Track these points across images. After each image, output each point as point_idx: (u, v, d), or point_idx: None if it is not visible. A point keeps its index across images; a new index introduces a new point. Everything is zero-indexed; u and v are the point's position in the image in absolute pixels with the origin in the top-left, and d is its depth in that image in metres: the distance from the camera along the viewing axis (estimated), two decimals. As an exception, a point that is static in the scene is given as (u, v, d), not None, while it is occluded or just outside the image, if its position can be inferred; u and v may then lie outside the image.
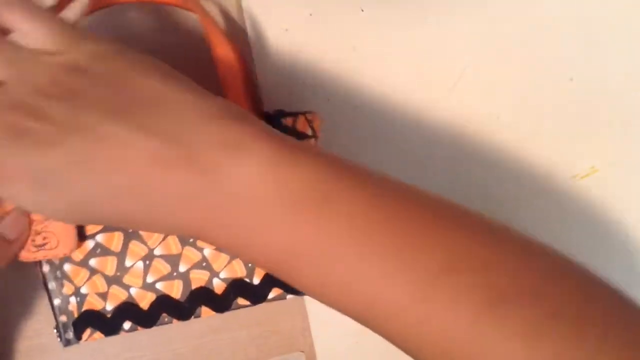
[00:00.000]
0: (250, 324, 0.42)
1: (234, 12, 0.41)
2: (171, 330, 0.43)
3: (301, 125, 0.36)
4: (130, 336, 0.44)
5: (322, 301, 0.29)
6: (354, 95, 0.42)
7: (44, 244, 0.34)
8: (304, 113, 0.36)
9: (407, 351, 0.28)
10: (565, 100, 0.43)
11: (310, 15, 0.41)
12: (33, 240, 0.33)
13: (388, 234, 0.27)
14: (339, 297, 0.28)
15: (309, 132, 0.36)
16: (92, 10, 0.34)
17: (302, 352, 0.45)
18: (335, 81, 0.42)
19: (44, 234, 0.33)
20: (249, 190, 0.27)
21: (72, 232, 0.34)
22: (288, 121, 0.35)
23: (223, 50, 0.34)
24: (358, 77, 0.42)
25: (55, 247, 0.34)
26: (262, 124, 0.29)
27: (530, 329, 0.26)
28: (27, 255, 0.34)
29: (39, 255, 0.34)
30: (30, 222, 0.33)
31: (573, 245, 0.45)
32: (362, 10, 0.42)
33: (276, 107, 0.39)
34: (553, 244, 0.45)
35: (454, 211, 0.31)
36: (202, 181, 0.27)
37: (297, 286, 0.29)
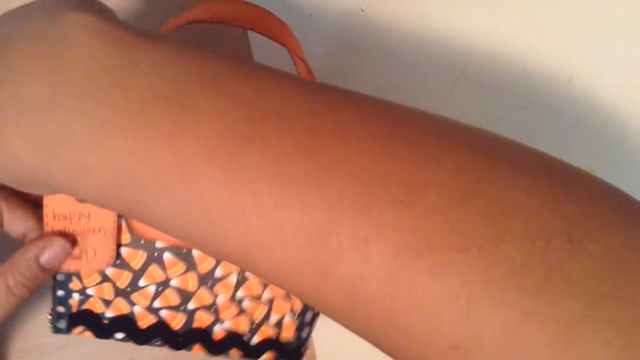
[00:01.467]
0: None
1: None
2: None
3: None
4: (130, 336, 0.44)
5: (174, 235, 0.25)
6: (354, 95, 0.43)
7: (80, 256, 0.33)
8: None
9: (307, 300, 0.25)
10: (565, 100, 0.43)
11: (310, 15, 0.41)
12: (70, 243, 0.33)
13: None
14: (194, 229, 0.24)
15: None
16: (175, 26, 0.34)
17: (302, 352, 0.45)
18: (335, 81, 0.42)
19: (81, 246, 0.33)
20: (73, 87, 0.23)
21: (112, 247, 0.33)
22: None
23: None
24: (358, 77, 0.42)
25: (92, 260, 0.33)
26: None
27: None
28: (63, 265, 0.34)
29: (73, 266, 0.33)
30: (71, 251, 0.33)
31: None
32: (362, 10, 0.42)
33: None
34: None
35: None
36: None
37: (147, 222, 0.25)
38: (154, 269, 0.34)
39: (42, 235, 0.33)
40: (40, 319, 0.43)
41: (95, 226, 0.33)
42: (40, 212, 0.33)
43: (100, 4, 0.27)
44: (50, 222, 0.33)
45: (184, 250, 0.34)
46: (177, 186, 0.23)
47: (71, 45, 0.24)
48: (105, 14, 0.26)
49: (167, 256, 0.34)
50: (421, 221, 0.21)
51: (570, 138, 0.44)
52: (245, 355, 0.35)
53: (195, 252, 0.33)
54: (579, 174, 0.24)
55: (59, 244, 0.33)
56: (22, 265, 0.32)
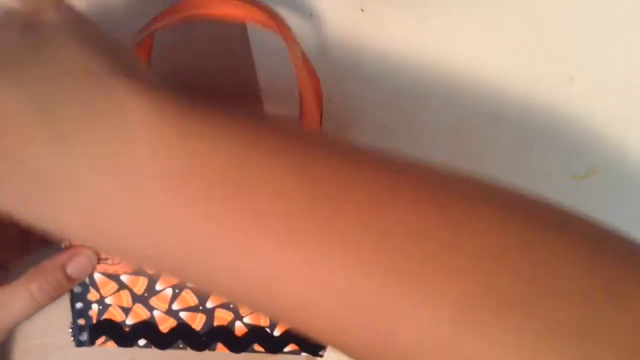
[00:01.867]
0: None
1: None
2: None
3: None
4: (130, 336, 0.44)
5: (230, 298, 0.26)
6: (354, 95, 0.42)
7: (106, 259, 0.34)
8: None
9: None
10: (565, 100, 0.43)
11: (311, 15, 0.41)
12: (96, 253, 0.34)
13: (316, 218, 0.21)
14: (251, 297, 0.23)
15: None
16: (167, 24, 0.33)
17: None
18: (335, 81, 0.42)
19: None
20: (127, 167, 0.21)
21: None
22: None
23: (304, 75, 0.33)
24: (358, 77, 0.42)
25: (117, 264, 0.34)
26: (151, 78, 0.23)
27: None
28: None
29: (99, 268, 0.34)
30: (98, 261, 0.34)
31: (573, 245, 0.45)
32: (362, 10, 0.42)
33: (277, 107, 0.39)
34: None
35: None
36: (61, 155, 0.21)
37: (195, 283, 0.24)
38: None
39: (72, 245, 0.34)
40: (41, 318, 0.43)
41: None
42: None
43: (137, 60, 0.25)
44: None
45: None
46: (249, 267, 0.22)
47: (132, 141, 0.22)
48: (147, 74, 0.24)
49: None
50: (467, 284, 0.21)
51: (571, 138, 0.44)
52: (268, 350, 0.36)
53: None
54: (612, 234, 0.26)
55: (87, 255, 0.33)
56: (49, 272, 0.33)
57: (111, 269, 0.34)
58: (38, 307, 0.34)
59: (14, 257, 0.37)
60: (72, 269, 0.33)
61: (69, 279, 0.33)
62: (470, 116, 0.43)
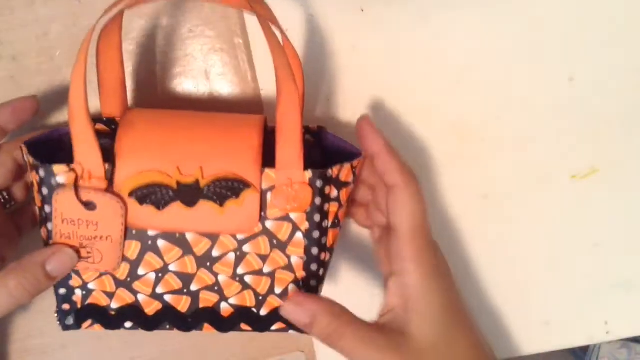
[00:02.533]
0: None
1: (234, 13, 0.41)
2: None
3: (345, 175, 0.34)
4: (129, 336, 0.44)
5: None
6: (354, 95, 0.42)
7: (87, 258, 0.34)
8: (351, 162, 0.34)
9: None
10: (565, 100, 0.43)
11: (310, 15, 0.41)
12: (77, 252, 0.33)
13: None
14: None
15: (351, 179, 0.35)
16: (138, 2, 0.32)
17: (302, 352, 0.45)
18: (335, 81, 0.42)
19: (88, 249, 0.34)
20: None
21: (119, 254, 0.34)
22: (334, 172, 0.33)
23: (279, 54, 0.32)
24: (358, 77, 0.42)
25: (98, 263, 0.34)
26: None
27: None
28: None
29: (80, 267, 0.34)
30: (77, 262, 0.34)
31: (573, 244, 0.45)
32: (362, 10, 0.42)
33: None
34: (553, 244, 0.45)
35: None
36: None
37: None
38: (150, 257, 0.34)
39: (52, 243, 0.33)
40: (40, 318, 0.43)
41: (103, 234, 0.33)
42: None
43: None
44: (59, 224, 0.33)
45: (177, 235, 0.34)
46: None
47: None
48: None
49: (161, 243, 0.34)
50: None
51: (571, 138, 0.44)
52: (255, 329, 0.36)
53: (190, 236, 0.34)
54: None
55: (68, 253, 0.33)
56: (28, 268, 0.33)
57: (92, 268, 0.34)
58: (15, 303, 0.33)
59: (7, 244, 0.37)
60: (51, 266, 0.33)
61: (48, 276, 0.33)
62: (470, 115, 0.43)
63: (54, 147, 0.35)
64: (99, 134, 0.33)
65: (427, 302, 0.32)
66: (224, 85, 0.42)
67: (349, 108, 0.43)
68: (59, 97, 0.41)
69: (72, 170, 0.32)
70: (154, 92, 0.42)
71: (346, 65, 0.42)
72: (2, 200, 0.38)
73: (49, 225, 0.33)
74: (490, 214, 0.44)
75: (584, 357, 0.89)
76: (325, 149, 0.37)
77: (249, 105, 0.42)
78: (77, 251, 0.33)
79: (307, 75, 0.42)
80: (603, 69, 0.43)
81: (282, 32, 0.33)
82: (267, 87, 0.42)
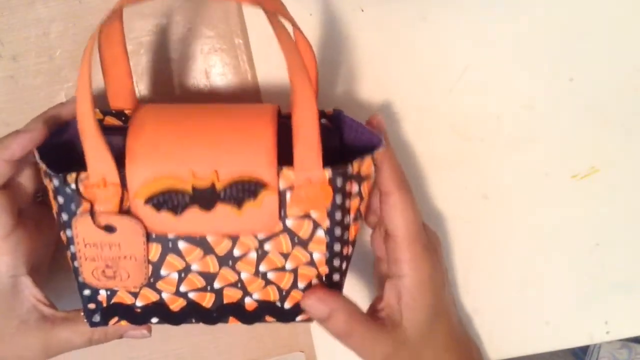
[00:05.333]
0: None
1: (234, 13, 0.41)
2: (170, 330, 0.43)
3: (366, 167, 0.33)
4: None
5: None
6: (354, 95, 0.42)
7: (114, 277, 0.34)
8: (371, 150, 0.33)
9: None
10: (565, 100, 0.43)
11: (310, 15, 0.41)
12: (103, 272, 0.33)
13: None
14: None
15: (372, 172, 0.34)
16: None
17: (302, 352, 0.45)
18: (335, 81, 0.42)
19: (114, 268, 0.33)
20: None
21: (144, 271, 0.34)
22: (354, 167, 0.32)
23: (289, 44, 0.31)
24: (358, 77, 0.42)
25: (126, 280, 0.34)
26: None
27: None
28: (98, 283, 0.34)
29: (109, 284, 0.34)
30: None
31: (573, 244, 0.45)
32: (362, 10, 0.42)
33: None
34: (553, 244, 0.45)
35: None
36: None
37: None
38: (172, 258, 0.34)
39: None
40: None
41: (126, 254, 0.33)
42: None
43: None
44: (82, 249, 0.33)
45: (198, 238, 0.33)
46: None
47: None
48: None
49: (182, 245, 0.33)
50: None
51: (571, 138, 0.44)
52: (280, 320, 0.36)
53: (210, 237, 0.33)
54: None
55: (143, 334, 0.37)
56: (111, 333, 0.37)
57: (120, 285, 0.34)
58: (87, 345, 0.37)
59: (43, 253, 0.38)
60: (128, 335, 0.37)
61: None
62: (470, 116, 0.43)
63: (67, 148, 0.35)
64: (110, 129, 0.32)
65: (419, 302, 0.35)
66: (224, 85, 0.42)
67: (349, 108, 0.43)
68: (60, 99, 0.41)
69: (87, 200, 0.32)
70: (154, 92, 0.42)
71: (346, 65, 0.42)
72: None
73: (68, 232, 0.33)
74: (490, 214, 0.44)
75: (584, 357, 0.89)
76: (343, 134, 0.36)
77: (249, 105, 0.42)
78: (103, 272, 0.33)
79: (307, 75, 0.42)
80: (603, 69, 0.43)
81: (294, 25, 0.32)
82: (267, 87, 0.42)
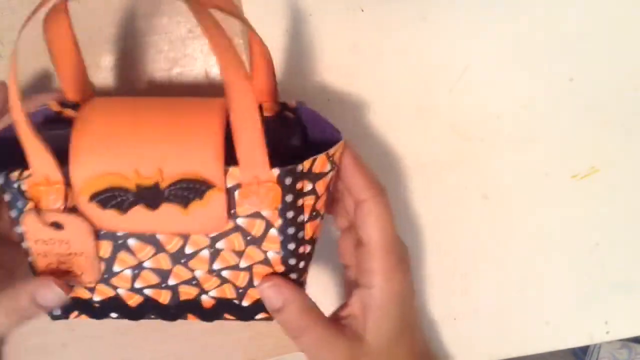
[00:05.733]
0: (250, 324, 0.42)
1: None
2: (170, 330, 0.43)
3: (320, 166, 0.32)
4: (128, 336, 0.44)
5: None
6: (354, 95, 0.42)
7: (68, 272, 0.33)
8: (327, 151, 0.32)
9: None
10: (565, 100, 0.43)
11: (310, 15, 0.41)
12: (57, 268, 0.33)
13: None
14: None
15: (327, 169, 0.33)
16: None
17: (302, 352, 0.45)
18: (335, 81, 0.42)
19: (67, 264, 0.33)
20: None
21: (97, 266, 0.33)
22: (305, 166, 0.31)
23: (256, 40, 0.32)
24: (358, 77, 0.42)
25: (79, 276, 0.33)
26: None
27: None
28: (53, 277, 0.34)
29: (64, 279, 0.33)
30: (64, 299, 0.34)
31: (573, 244, 0.45)
32: (362, 10, 0.42)
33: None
34: (553, 244, 0.45)
35: None
36: None
37: None
38: (123, 255, 0.33)
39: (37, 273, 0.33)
40: (40, 318, 0.43)
41: (76, 251, 0.33)
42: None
43: None
44: (33, 245, 0.32)
45: (148, 235, 0.33)
46: None
47: None
48: None
49: (132, 242, 0.33)
50: None
51: (572, 137, 0.44)
52: (240, 318, 0.35)
53: (160, 236, 0.33)
54: None
55: (54, 291, 0.33)
56: (15, 297, 0.33)
57: (75, 282, 0.34)
58: (3, 332, 0.34)
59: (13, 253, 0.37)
60: (41, 299, 0.33)
61: (39, 306, 0.33)
62: (470, 116, 0.43)
63: (12, 145, 0.33)
64: (65, 122, 0.32)
65: (387, 316, 0.34)
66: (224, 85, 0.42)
67: (349, 108, 0.43)
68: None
69: (30, 198, 0.31)
70: (154, 93, 0.42)
71: (346, 65, 0.42)
72: None
73: (18, 229, 0.33)
74: (491, 214, 0.44)
75: (584, 357, 0.89)
76: (304, 128, 0.35)
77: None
78: (57, 268, 0.33)
79: (307, 75, 0.42)
80: (603, 69, 0.43)
81: (245, 22, 0.32)
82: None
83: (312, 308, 0.34)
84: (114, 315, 0.35)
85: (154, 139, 0.32)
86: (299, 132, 0.35)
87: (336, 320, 0.35)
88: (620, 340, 0.87)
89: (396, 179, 0.43)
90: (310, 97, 0.42)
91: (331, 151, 0.32)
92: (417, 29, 0.42)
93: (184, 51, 0.42)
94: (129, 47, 0.41)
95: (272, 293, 0.33)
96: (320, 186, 0.33)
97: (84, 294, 0.35)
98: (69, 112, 0.35)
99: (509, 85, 0.43)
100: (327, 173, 0.33)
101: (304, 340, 0.34)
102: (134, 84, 0.42)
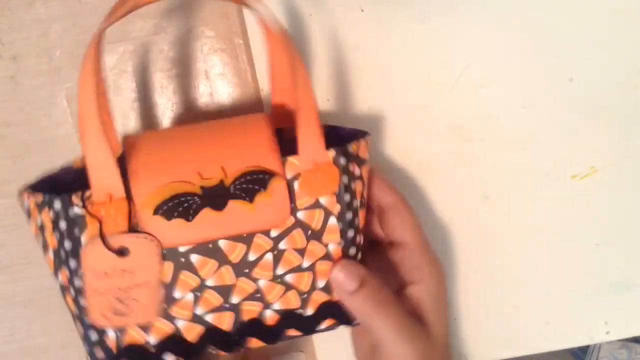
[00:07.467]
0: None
1: (234, 13, 0.41)
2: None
3: (362, 151, 0.35)
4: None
5: None
6: (354, 95, 0.42)
7: (124, 311, 0.31)
8: (362, 136, 0.35)
9: None
10: (565, 100, 0.43)
11: (310, 15, 0.41)
12: (114, 308, 0.31)
13: None
14: None
15: (367, 156, 0.35)
16: (119, 17, 0.31)
17: (302, 352, 0.45)
18: (335, 81, 0.42)
19: (126, 302, 0.31)
20: None
21: (158, 298, 0.31)
22: (353, 148, 0.34)
23: (277, 46, 0.33)
24: (358, 77, 0.42)
25: (137, 314, 0.31)
26: None
27: None
28: (107, 323, 0.31)
29: (121, 322, 0.31)
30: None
31: (573, 244, 0.45)
32: (362, 10, 0.42)
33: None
34: (553, 244, 0.45)
35: None
36: None
37: None
38: (185, 275, 0.32)
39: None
40: (40, 318, 0.43)
41: (140, 280, 0.31)
42: None
43: None
44: (90, 281, 0.30)
45: (210, 246, 0.31)
46: None
47: None
48: None
49: (194, 258, 0.31)
50: None
51: (572, 137, 0.44)
52: (304, 332, 0.34)
53: (223, 243, 0.32)
54: None
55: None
56: None
57: (131, 322, 0.31)
58: None
59: None
60: None
61: None
62: (470, 116, 0.43)
63: (56, 188, 0.33)
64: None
65: (442, 306, 0.36)
66: (224, 85, 0.42)
67: (349, 108, 0.43)
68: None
69: (95, 218, 0.30)
70: (154, 92, 0.42)
71: (346, 65, 0.42)
72: None
73: (72, 263, 0.31)
74: (491, 214, 0.44)
75: (584, 357, 0.89)
76: (335, 138, 0.36)
77: (249, 105, 0.42)
78: (112, 309, 0.31)
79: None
80: (603, 69, 0.43)
81: (277, 25, 0.33)
82: (267, 87, 0.42)
83: (386, 287, 0.34)
84: (170, 358, 0.33)
85: (209, 143, 0.32)
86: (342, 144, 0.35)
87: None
88: (620, 340, 0.87)
89: (396, 179, 0.43)
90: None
91: (368, 138, 0.35)
92: (417, 29, 0.42)
93: (184, 51, 0.42)
94: (130, 47, 0.41)
95: (348, 272, 0.33)
96: (364, 173, 0.35)
97: (138, 337, 0.32)
98: None
99: (509, 85, 0.43)
100: (367, 160, 0.35)
101: (384, 319, 0.33)
102: (134, 84, 0.42)
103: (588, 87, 0.43)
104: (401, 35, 0.42)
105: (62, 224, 0.30)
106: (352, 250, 0.34)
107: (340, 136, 0.36)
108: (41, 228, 0.31)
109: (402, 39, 0.42)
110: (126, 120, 0.42)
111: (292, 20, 0.41)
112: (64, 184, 0.32)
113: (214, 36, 0.42)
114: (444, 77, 0.43)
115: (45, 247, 0.32)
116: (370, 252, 0.38)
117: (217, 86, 0.42)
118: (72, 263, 0.31)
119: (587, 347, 0.89)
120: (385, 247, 0.37)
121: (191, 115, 0.42)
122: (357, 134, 0.36)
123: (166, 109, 0.42)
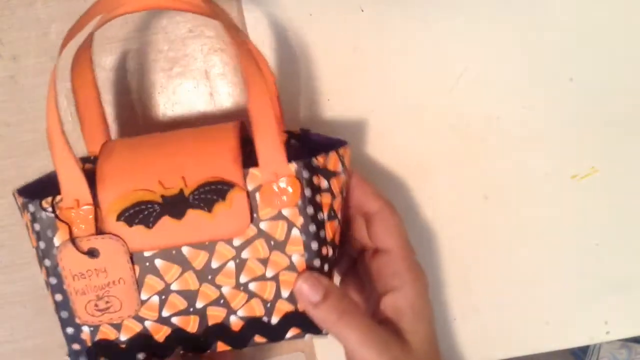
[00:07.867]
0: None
1: (234, 13, 0.41)
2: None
3: (332, 164, 0.34)
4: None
5: None
6: (354, 95, 0.42)
7: (107, 308, 0.33)
8: (336, 149, 0.35)
9: None
10: (565, 100, 0.43)
11: (310, 15, 0.41)
12: (96, 305, 0.33)
13: None
14: None
15: (340, 168, 0.35)
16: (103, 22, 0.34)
17: (302, 352, 0.45)
18: (335, 81, 0.42)
19: (106, 299, 0.33)
20: None
21: (135, 294, 0.33)
22: (319, 161, 0.33)
23: (248, 57, 0.33)
24: (358, 77, 0.42)
25: (119, 310, 0.33)
26: None
27: None
28: (92, 319, 0.34)
29: (104, 319, 0.34)
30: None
31: (573, 244, 0.45)
32: (362, 10, 0.42)
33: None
34: (553, 244, 0.45)
35: None
36: None
37: None
38: (150, 279, 0.33)
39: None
40: (40, 318, 0.43)
41: (114, 278, 0.33)
42: None
43: None
44: (71, 283, 0.33)
45: (174, 252, 0.33)
46: None
47: None
48: None
49: (159, 263, 0.33)
50: None
51: (572, 137, 0.44)
52: (270, 339, 0.35)
53: (186, 250, 0.33)
54: None
55: None
56: None
57: (116, 317, 0.34)
58: None
59: None
60: None
61: None
62: (470, 116, 0.43)
63: (46, 188, 0.35)
64: (87, 173, 0.33)
65: (420, 314, 0.35)
66: (224, 85, 0.42)
67: (349, 108, 0.43)
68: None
69: (63, 222, 0.32)
70: (154, 93, 0.42)
71: (346, 65, 0.42)
72: None
73: (46, 262, 0.33)
74: (491, 214, 0.44)
75: (584, 357, 0.89)
76: (311, 149, 0.37)
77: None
78: (97, 306, 0.33)
79: (307, 76, 0.42)
80: (603, 69, 0.43)
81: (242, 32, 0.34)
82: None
83: (350, 297, 0.35)
84: (140, 356, 0.35)
85: (174, 153, 0.34)
86: (306, 155, 0.36)
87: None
88: (620, 340, 0.87)
89: (396, 179, 0.43)
90: (310, 98, 0.42)
91: (340, 150, 0.35)
92: (417, 29, 0.42)
93: (184, 51, 0.42)
94: (129, 47, 0.41)
95: (311, 284, 0.33)
96: (335, 185, 0.34)
97: (109, 333, 0.34)
98: (88, 166, 0.36)
99: (509, 85, 0.43)
100: (339, 173, 0.35)
101: (350, 332, 0.33)
102: (133, 84, 0.42)
103: (588, 87, 0.43)
104: (401, 35, 0.42)
105: (37, 226, 0.33)
106: (317, 262, 0.34)
107: (320, 144, 0.36)
108: (27, 228, 0.34)
109: (402, 39, 0.42)
110: (126, 120, 0.42)
111: (292, 20, 0.41)
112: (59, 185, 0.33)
113: (214, 36, 0.42)
114: (444, 77, 0.43)
115: (32, 245, 0.34)
116: (361, 259, 0.38)
117: (217, 86, 0.42)
118: (47, 262, 0.33)
119: (587, 347, 0.89)
120: (372, 254, 0.37)
121: (190, 115, 0.42)
122: (336, 144, 0.36)
123: (166, 109, 0.42)
